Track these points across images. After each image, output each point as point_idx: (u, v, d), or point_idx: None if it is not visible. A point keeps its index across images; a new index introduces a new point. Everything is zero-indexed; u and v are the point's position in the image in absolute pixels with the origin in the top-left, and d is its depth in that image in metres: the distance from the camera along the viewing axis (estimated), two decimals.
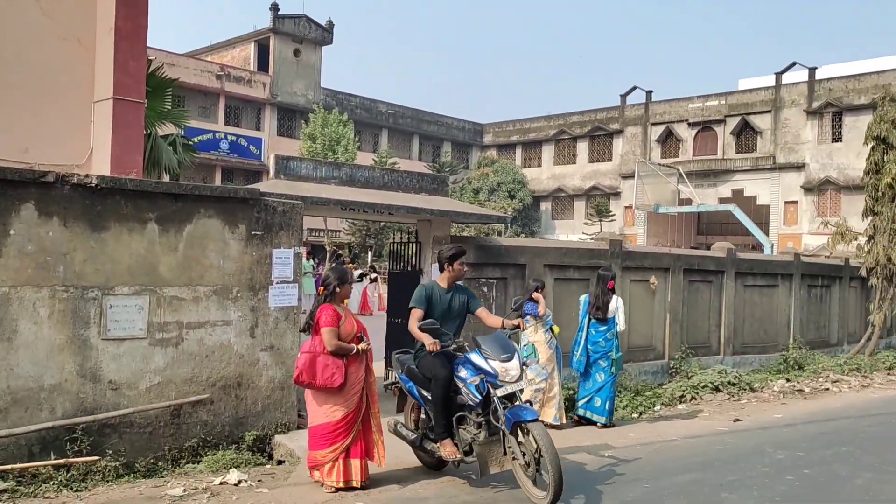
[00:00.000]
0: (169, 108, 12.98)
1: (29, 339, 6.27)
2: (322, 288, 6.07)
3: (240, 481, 5.88)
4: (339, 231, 41.25)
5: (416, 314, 6.12)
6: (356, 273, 23.70)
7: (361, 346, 6.00)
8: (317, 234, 40.79)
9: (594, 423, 8.76)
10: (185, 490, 5.64)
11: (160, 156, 12.25)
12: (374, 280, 24.20)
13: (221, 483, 5.87)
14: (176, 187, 7.17)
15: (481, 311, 6.44)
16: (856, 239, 17.14)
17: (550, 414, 8.46)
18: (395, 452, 6.95)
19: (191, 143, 14.80)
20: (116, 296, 6.73)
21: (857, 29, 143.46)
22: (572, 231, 46.54)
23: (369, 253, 39.04)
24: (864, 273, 16.32)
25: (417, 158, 51.18)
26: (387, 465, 6.22)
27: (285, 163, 8.61)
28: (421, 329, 5.90)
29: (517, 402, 5.64)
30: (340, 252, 33.02)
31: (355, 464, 5.86)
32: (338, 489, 5.73)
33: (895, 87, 33.58)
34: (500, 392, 5.57)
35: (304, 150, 37.25)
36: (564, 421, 8.61)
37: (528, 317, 8.51)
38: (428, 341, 5.78)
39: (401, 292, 10.21)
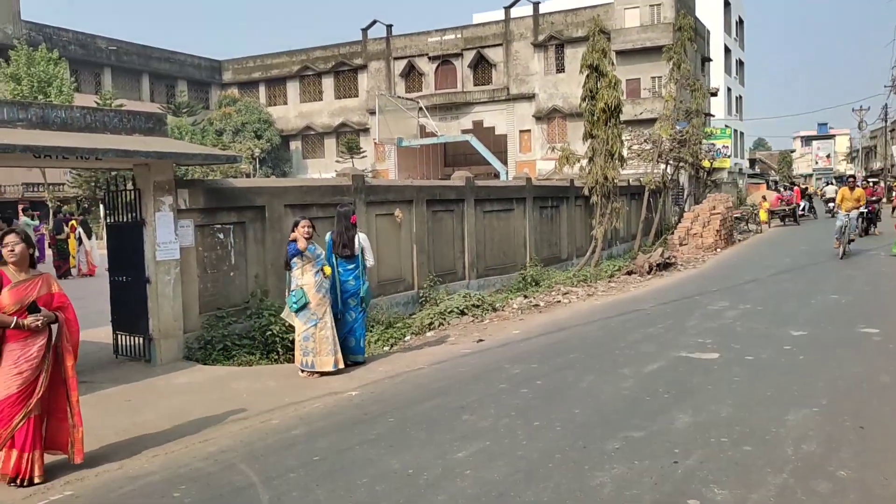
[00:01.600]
0: None
1: None
2: None
3: None
4: (63, 184, 36.90)
5: None
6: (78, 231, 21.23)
7: (28, 320, 4.91)
8: (35, 188, 36.17)
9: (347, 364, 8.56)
10: None
11: None
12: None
13: None
14: None
15: None
16: (578, 161, 18.66)
17: (329, 362, 7.89)
18: (128, 421, 6.24)
19: None
20: None
21: None
22: (325, 169, 46.00)
23: (101, 206, 35.44)
24: (586, 192, 17.88)
25: (150, 99, 47.02)
26: (101, 444, 5.56)
27: None
28: None
29: None
30: (64, 207, 29.50)
31: (18, 456, 4.93)
32: (8, 482, 4.94)
33: (605, 21, 36.92)
34: None
35: (8, 94, 32.33)
36: (342, 365, 8.02)
37: (294, 259, 7.96)
38: None
39: (122, 247, 9.19)
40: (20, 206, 23.06)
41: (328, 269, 8.14)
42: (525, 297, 13.35)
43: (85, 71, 43.87)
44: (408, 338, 10.60)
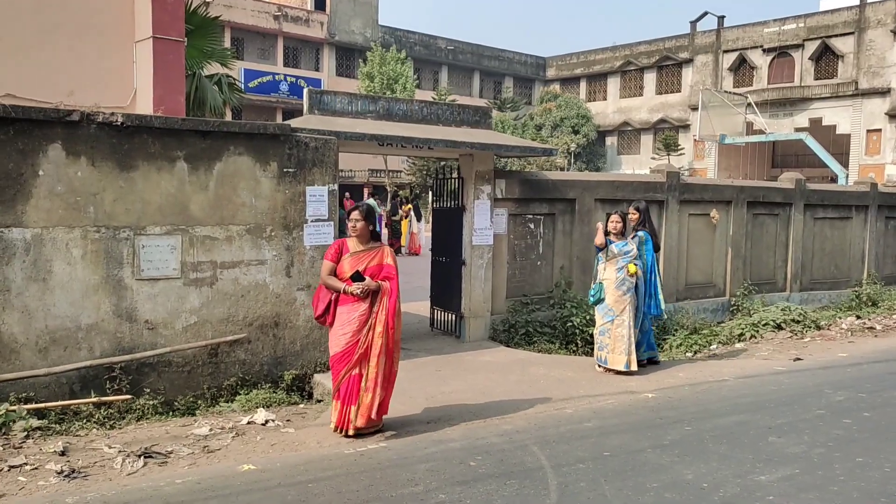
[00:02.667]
0: (214, 47, 12.83)
1: (64, 279, 6.31)
2: None
3: (267, 421, 5.84)
4: (400, 171, 41.12)
5: None
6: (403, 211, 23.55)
7: (352, 287, 5.44)
8: (377, 174, 40.80)
9: (651, 362, 8.36)
10: (211, 429, 5.64)
11: (205, 96, 12.18)
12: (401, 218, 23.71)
13: (249, 423, 5.86)
14: (203, 124, 7.02)
15: None
16: None
17: (621, 361, 7.73)
18: (436, 389, 6.83)
19: (237, 82, 14.67)
20: (148, 235, 6.70)
21: None
22: (639, 166, 45.13)
23: (430, 193, 38.87)
24: None
25: (478, 95, 50.23)
26: (397, 403, 6.01)
27: (319, 97, 8.35)
28: None
29: None
30: (400, 192, 32.93)
31: (341, 408, 5.54)
32: (335, 429, 5.61)
33: None
34: None
35: (363, 90, 36.95)
36: (635, 367, 7.78)
37: (599, 253, 8.04)
38: None
39: (444, 230, 9.99)
40: (365, 189, 26.25)
41: (632, 268, 7.89)
42: (858, 317, 11.79)
43: (425, 69, 48.29)
44: (714, 346, 10.02)
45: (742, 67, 43.66)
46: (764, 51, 42.27)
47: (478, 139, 8.89)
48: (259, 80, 39.33)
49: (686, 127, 45.13)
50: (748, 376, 7.84)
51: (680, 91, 46.77)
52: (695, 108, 41.91)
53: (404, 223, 23.58)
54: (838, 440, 5.60)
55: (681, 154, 44.07)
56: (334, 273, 5.64)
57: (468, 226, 9.34)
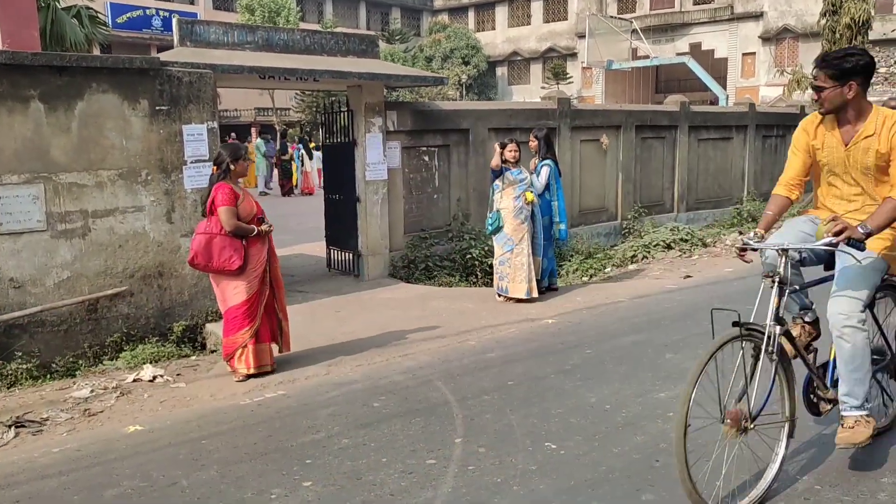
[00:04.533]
0: None
1: None
2: (216, 167, 5.51)
3: (154, 377, 5.49)
4: (289, 109, 39.63)
5: None
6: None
7: (263, 227, 5.54)
8: (265, 113, 39.17)
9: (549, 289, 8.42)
10: (92, 391, 5.24)
11: (63, 30, 11.12)
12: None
13: (135, 380, 5.48)
14: (57, 59, 6.34)
15: None
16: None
17: (522, 289, 7.72)
18: (336, 331, 6.62)
19: (101, 16, 13.46)
20: (4, 185, 6.07)
21: None
22: (530, 96, 45.31)
23: (321, 130, 37.74)
24: None
25: (366, 27, 48.63)
26: (296, 348, 5.98)
27: (190, 27, 7.71)
28: None
29: None
30: (289, 130, 31.82)
31: (264, 348, 5.56)
32: (248, 376, 5.40)
33: None
34: None
35: (243, 22, 35.03)
36: (536, 294, 7.79)
37: (496, 181, 7.88)
38: None
39: (336, 167, 9.62)
40: (253, 129, 25.13)
41: (529, 195, 7.84)
42: (740, 233, 12.33)
43: (309, 1, 46.24)
44: (608, 269, 10.25)
45: None
46: None
47: (366, 69, 8.51)
48: (128, 14, 36.48)
49: (574, 55, 45.52)
50: (642, 296, 8.04)
51: (567, 19, 46.94)
52: (581, 36, 42.19)
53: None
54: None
55: (569, 82, 44.53)
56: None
57: (360, 161, 9.02)
